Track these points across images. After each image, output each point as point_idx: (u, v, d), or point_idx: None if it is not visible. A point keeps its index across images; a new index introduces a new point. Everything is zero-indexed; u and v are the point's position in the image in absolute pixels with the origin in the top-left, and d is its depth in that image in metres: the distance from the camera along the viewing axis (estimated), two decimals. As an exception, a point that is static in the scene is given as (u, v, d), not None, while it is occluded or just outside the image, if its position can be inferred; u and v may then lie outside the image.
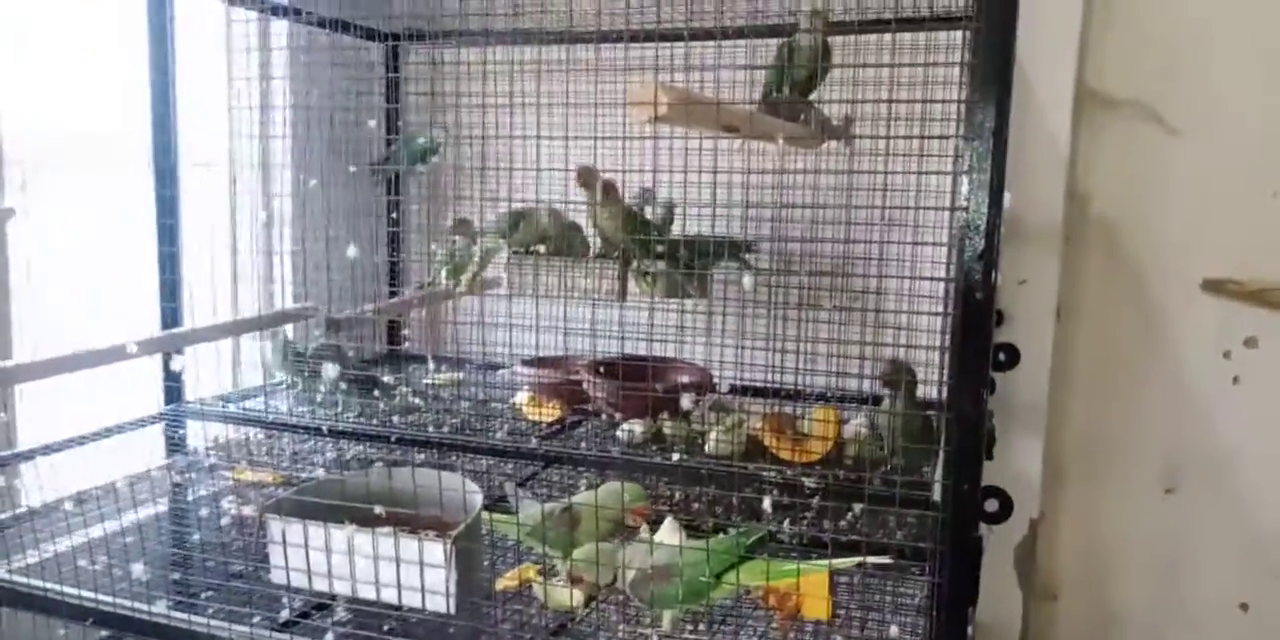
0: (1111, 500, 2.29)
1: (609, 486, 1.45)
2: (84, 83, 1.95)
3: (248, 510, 1.67)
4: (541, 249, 1.89)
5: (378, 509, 1.17)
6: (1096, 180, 2.21)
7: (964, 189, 0.89)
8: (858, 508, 1.24)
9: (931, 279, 1.70)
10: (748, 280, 1.24)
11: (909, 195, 1.78)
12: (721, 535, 1.33)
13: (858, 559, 1.25)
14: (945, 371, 1.68)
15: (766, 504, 1.25)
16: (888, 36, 1.79)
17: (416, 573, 1.14)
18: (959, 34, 1.99)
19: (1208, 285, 2.15)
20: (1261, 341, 2.12)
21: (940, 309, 1.91)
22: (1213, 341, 2.16)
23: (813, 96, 1.76)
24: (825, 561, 1.23)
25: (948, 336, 1.82)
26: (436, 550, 1.13)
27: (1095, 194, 2.22)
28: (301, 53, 2.22)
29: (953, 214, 1.03)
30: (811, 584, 1.22)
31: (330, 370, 1.56)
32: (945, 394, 0.99)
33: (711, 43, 2.01)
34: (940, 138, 1.33)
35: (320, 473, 1.52)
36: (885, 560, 1.28)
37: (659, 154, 1.62)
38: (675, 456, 1.66)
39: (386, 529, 1.16)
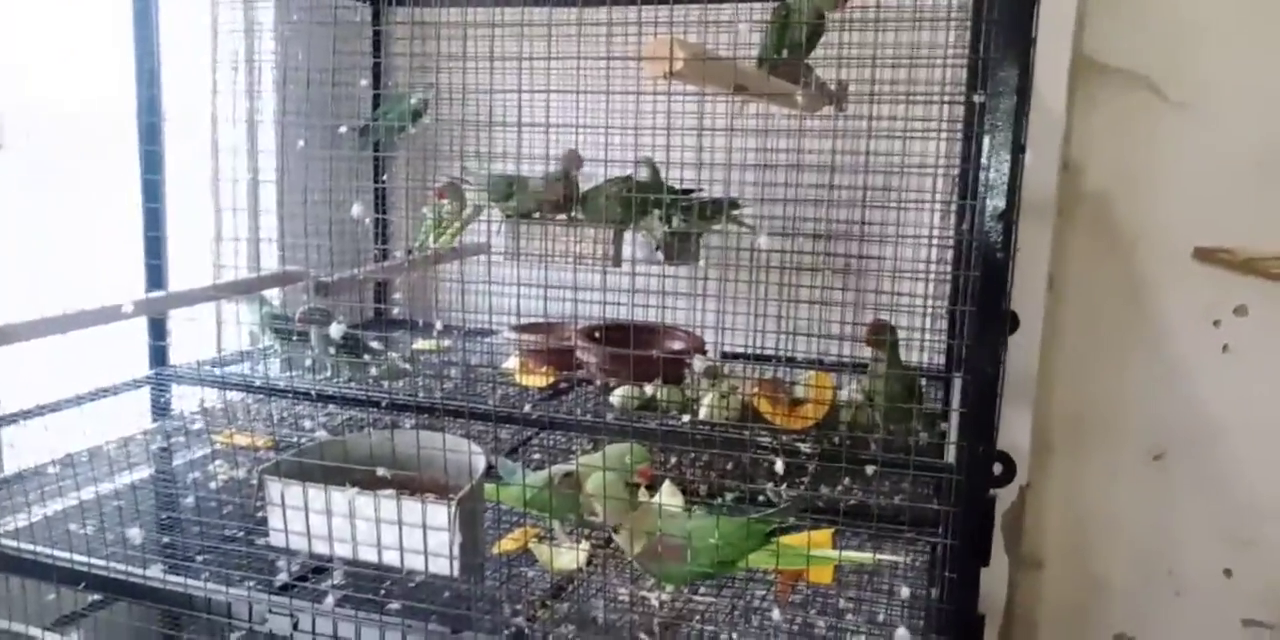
0: (1099, 469, 2.31)
1: (613, 448, 1.44)
2: (68, 39, 1.90)
3: (240, 473, 1.66)
4: (536, 215, 1.87)
5: (381, 471, 1.16)
6: (1091, 150, 2.20)
7: (984, 147, 0.88)
8: (868, 470, 1.23)
9: (935, 244, 1.71)
10: (764, 240, 1.22)
11: (898, 162, 1.77)
12: (725, 509, 1.32)
13: (870, 555, 1.26)
14: (948, 334, 1.69)
15: (779, 466, 1.24)
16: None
17: (420, 535, 1.13)
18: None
19: (1199, 254, 2.16)
20: (1252, 310, 2.14)
21: (927, 277, 1.93)
22: (1203, 310, 2.18)
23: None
24: (836, 553, 1.23)
25: (940, 302, 1.84)
26: (440, 513, 1.12)
27: (1089, 164, 2.22)
28: (288, 11, 2.16)
29: (964, 177, 1.01)
30: (815, 544, 1.21)
31: (334, 330, 1.53)
32: (954, 355, 0.99)
33: (696, 5, 1.99)
34: (949, 102, 1.30)
35: (321, 435, 1.50)
36: (897, 559, 1.29)
37: (643, 113, 1.59)
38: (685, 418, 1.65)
39: (389, 491, 1.14)
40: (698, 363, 1.72)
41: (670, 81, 0.95)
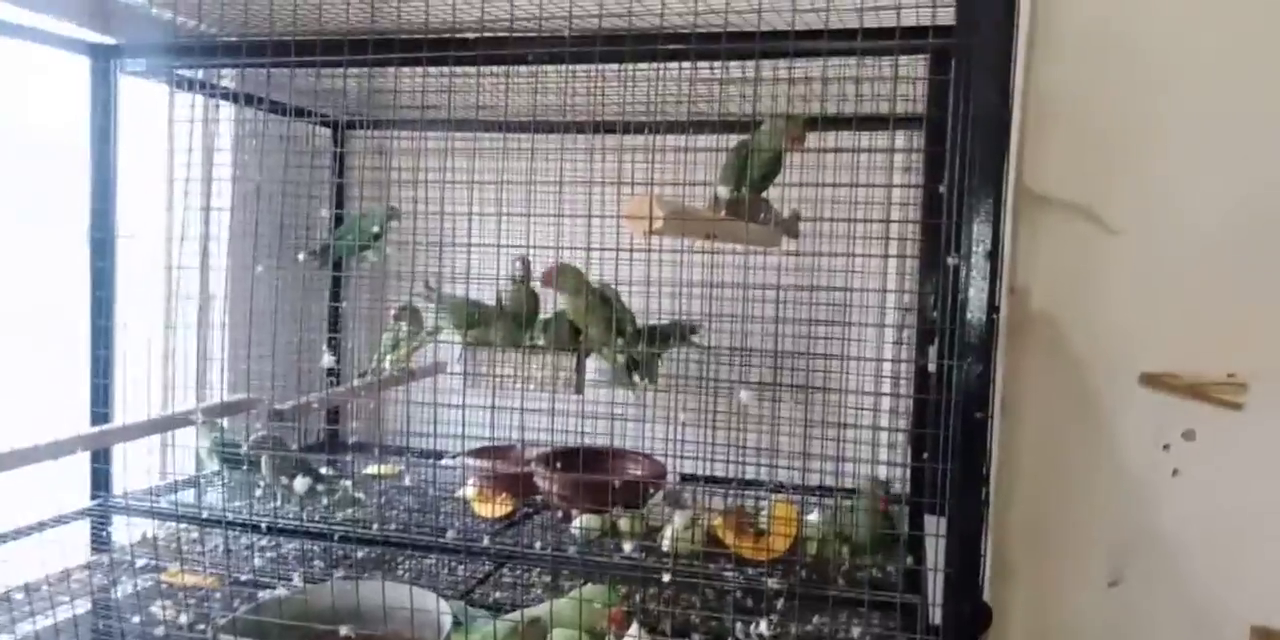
0: (1059, 592, 2.30)
1: (573, 595, 1.40)
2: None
3: (184, 617, 1.58)
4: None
5: (344, 630, 1.11)
6: (1036, 275, 2.27)
7: (968, 304, 0.90)
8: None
9: (898, 395, 1.73)
10: (745, 395, 1.22)
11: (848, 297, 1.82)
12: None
13: None
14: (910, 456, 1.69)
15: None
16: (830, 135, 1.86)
17: (382, 698, 1.08)
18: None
19: (1146, 379, 2.21)
20: (1199, 434, 2.18)
21: (894, 399, 1.96)
22: (1152, 434, 2.22)
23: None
24: None
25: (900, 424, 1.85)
26: (405, 675, 1.07)
27: (1034, 288, 2.28)
28: (248, 138, 2.18)
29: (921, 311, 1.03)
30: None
31: (299, 484, 1.50)
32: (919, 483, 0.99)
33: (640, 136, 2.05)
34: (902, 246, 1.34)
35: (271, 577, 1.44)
36: None
37: (595, 234, 1.62)
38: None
39: (351, 651, 1.09)
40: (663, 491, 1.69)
41: (648, 237, 0.96)
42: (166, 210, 1.98)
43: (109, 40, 1.90)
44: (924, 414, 1.56)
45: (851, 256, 1.42)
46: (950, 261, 0.96)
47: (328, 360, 1.34)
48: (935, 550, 0.99)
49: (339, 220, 2.21)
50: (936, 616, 1.00)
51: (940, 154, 1.41)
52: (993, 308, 0.89)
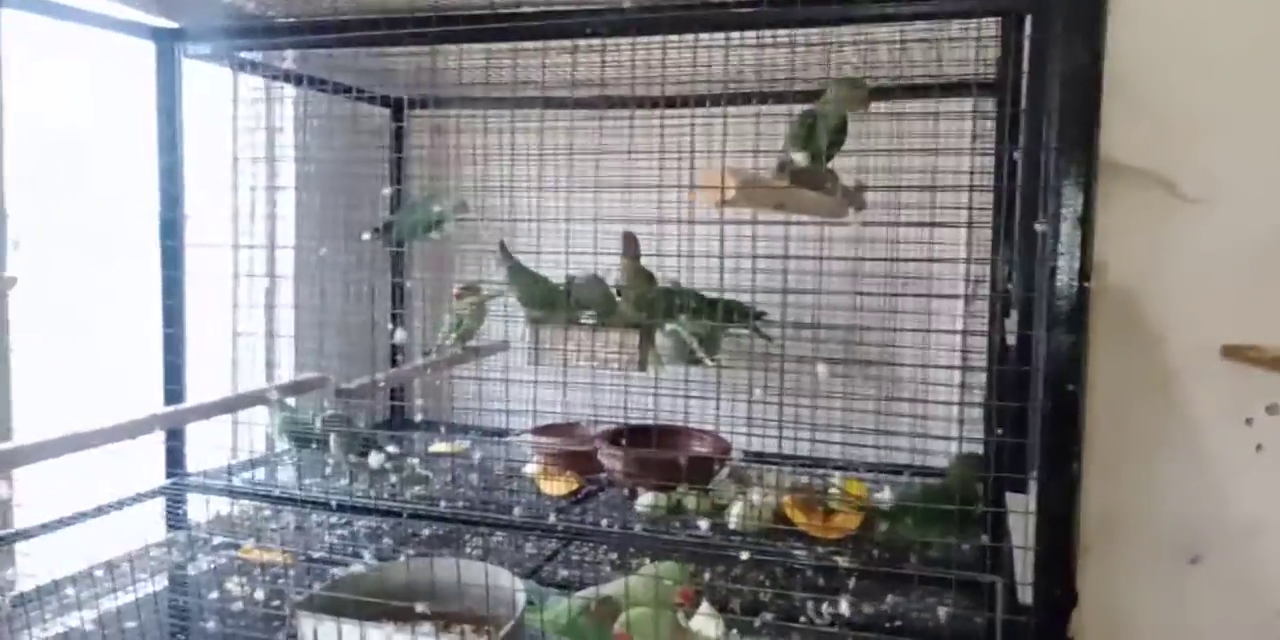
0: (1133, 573, 2.23)
1: (649, 570, 1.39)
2: (89, 152, 1.92)
3: (259, 593, 1.60)
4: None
5: (420, 606, 1.11)
6: (1111, 248, 2.19)
7: (1050, 274, 0.86)
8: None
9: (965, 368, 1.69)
10: (822, 369, 1.20)
11: (919, 270, 1.77)
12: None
13: None
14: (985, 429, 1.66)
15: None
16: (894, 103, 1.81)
17: (458, 673, 1.08)
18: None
19: (1227, 352, 2.13)
20: (1285, 408, 2.10)
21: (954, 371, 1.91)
22: (1234, 409, 2.13)
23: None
24: None
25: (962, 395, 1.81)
26: (480, 650, 1.07)
27: (1110, 262, 2.21)
28: (310, 119, 2.19)
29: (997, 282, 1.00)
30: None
31: (374, 460, 1.50)
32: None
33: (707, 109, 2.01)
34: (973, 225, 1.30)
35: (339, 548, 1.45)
36: None
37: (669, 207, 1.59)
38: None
39: (427, 627, 1.09)
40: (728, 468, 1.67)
41: (720, 208, 0.94)
42: (231, 190, 2.00)
43: (172, 24, 1.91)
44: (999, 388, 1.53)
45: (925, 226, 1.38)
46: (1038, 227, 0.93)
47: (400, 336, 1.33)
48: (1025, 528, 0.96)
49: (399, 199, 2.22)
50: (1024, 596, 0.98)
51: (1015, 118, 1.36)
52: (1084, 276, 0.85)
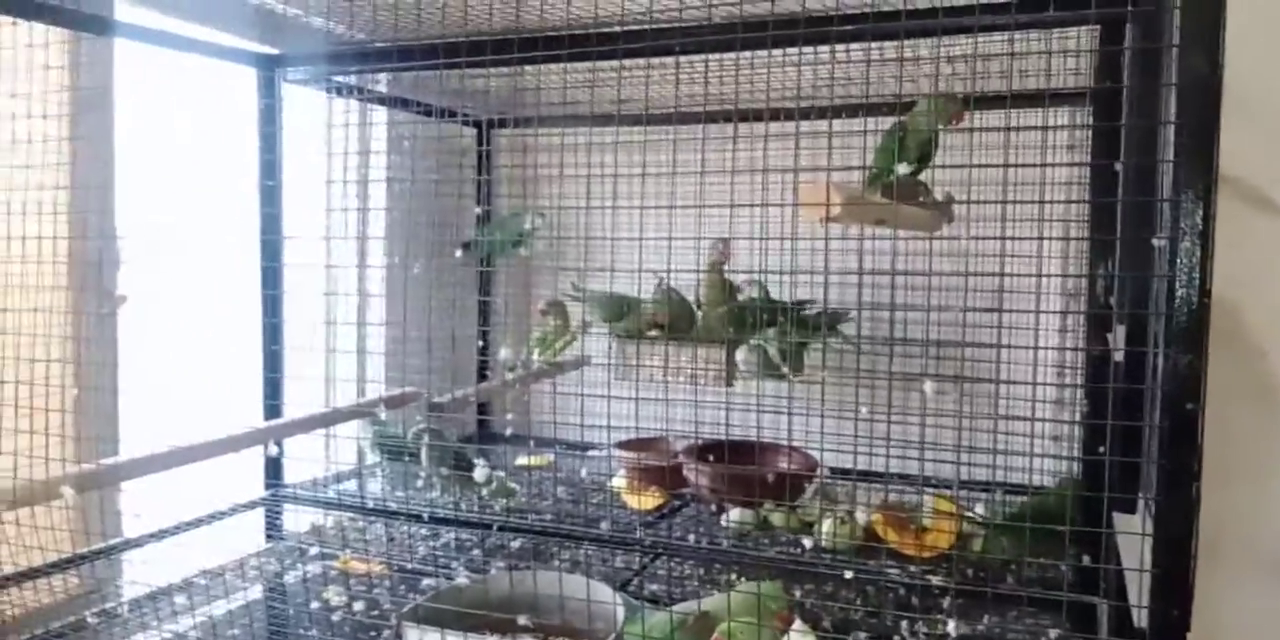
0: (1233, 591, 2.16)
1: (748, 588, 1.39)
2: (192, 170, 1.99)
3: (359, 605, 1.64)
4: (654, 334, 1.86)
5: (522, 619, 1.13)
6: (1218, 262, 2.14)
7: (1168, 290, 0.84)
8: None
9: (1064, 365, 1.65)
10: (930, 387, 1.19)
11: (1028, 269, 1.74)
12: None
13: None
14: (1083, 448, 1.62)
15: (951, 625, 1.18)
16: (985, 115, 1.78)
17: (559, 687, 1.09)
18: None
19: (1334, 367, 2.05)
20: (1397, 424, 2.02)
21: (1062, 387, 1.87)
22: (1344, 427, 2.06)
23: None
24: None
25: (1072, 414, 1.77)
26: (581, 664, 1.08)
27: (1227, 288, 2.15)
28: (401, 139, 2.24)
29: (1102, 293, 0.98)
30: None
31: (479, 474, 1.53)
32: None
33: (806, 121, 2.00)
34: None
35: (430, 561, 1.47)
36: None
37: (740, 224, 1.59)
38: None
39: (528, 639, 1.11)
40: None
41: (826, 223, 0.94)
42: (326, 211, 2.06)
43: (273, 51, 1.98)
44: (1098, 406, 1.49)
45: (1034, 239, 1.35)
46: (1156, 243, 0.91)
47: (505, 354, 1.36)
48: (1140, 549, 0.94)
49: (487, 217, 2.26)
50: (1139, 620, 0.95)
51: (1116, 130, 1.34)
52: (1204, 293, 0.84)
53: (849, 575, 1.31)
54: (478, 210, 1.96)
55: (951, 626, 1.15)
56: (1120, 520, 1.22)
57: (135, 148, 1.82)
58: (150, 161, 1.89)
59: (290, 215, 1.99)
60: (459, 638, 1.11)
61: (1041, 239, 1.14)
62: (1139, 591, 0.90)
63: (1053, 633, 1.28)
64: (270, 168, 1.93)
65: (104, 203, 1.73)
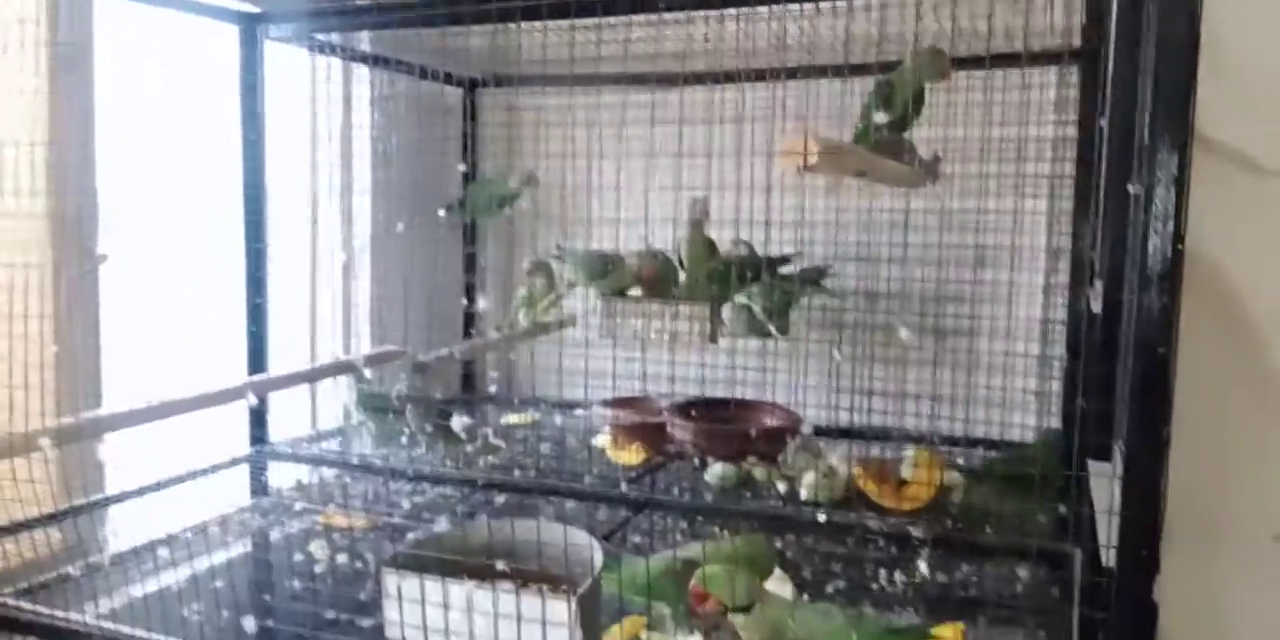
0: (1224, 557, 2.19)
1: (737, 541, 1.40)
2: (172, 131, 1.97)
3: (341, 558, 1.65)
4: (635, 292, 1.87)
5: (500, 564, 1.14)
6: (1200, 224, 2.14)
7: (1143, 239, 0.85)
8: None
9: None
10: (905, 333, 1.19)
11: (1005, 231, 1.75)
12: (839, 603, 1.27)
13: None
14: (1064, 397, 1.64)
15: (923, 568, 1.19)
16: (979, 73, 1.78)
17: (539, 631, 1.10)
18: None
19: (1311, 322, 2.07)
20: (1377, 383, 2.04)
21: (1038, 345, 1.89)
22: (1319, 379, 2.08)
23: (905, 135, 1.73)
24: None
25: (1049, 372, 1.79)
26: (561, 608, 1.09)
27: (1199, 238, 2.16)
28: (385, 98, 2.22)
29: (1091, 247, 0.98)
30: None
31: (457, 423, 1.53)
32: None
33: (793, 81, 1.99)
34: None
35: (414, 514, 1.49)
36: None
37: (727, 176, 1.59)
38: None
39: (508, 585, 1.12)
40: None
41: (802, 173, 0.94)
42: (310, 168, 2.05)
43: (254, 9, 1.95)
44: (1083, 360, 1.51)
45: (1016, 198, 1.36)
46: (1131, 189, 0.91)
47: (481, 304, 1.36)
48: (1110, 492, 0.96)
49: (472, 176, 2.25)
50: (1107, 559, 0.97)
51: (1102, 87, 1.34)
52: (1178, 238, 0.84)
53: (822, 518, 1.32)
54: (462, 168, 1.94)
55: (923, 567, 1.17)
56: (1095, 467, 1.23)
57: (116, 105, 1.80)
58: (131, 119, 1.87)
59: (274, 172, 1.98)
60: (437, 583, 1.12)
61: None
62: (1106, 534, 0.91)
63: (1022, 573, 1.30)
64: (252, 119, 1.92)
65: (84, 159, 1.71)
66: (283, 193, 2.05)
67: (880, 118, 1.34)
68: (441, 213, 1.86)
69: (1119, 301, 1.11)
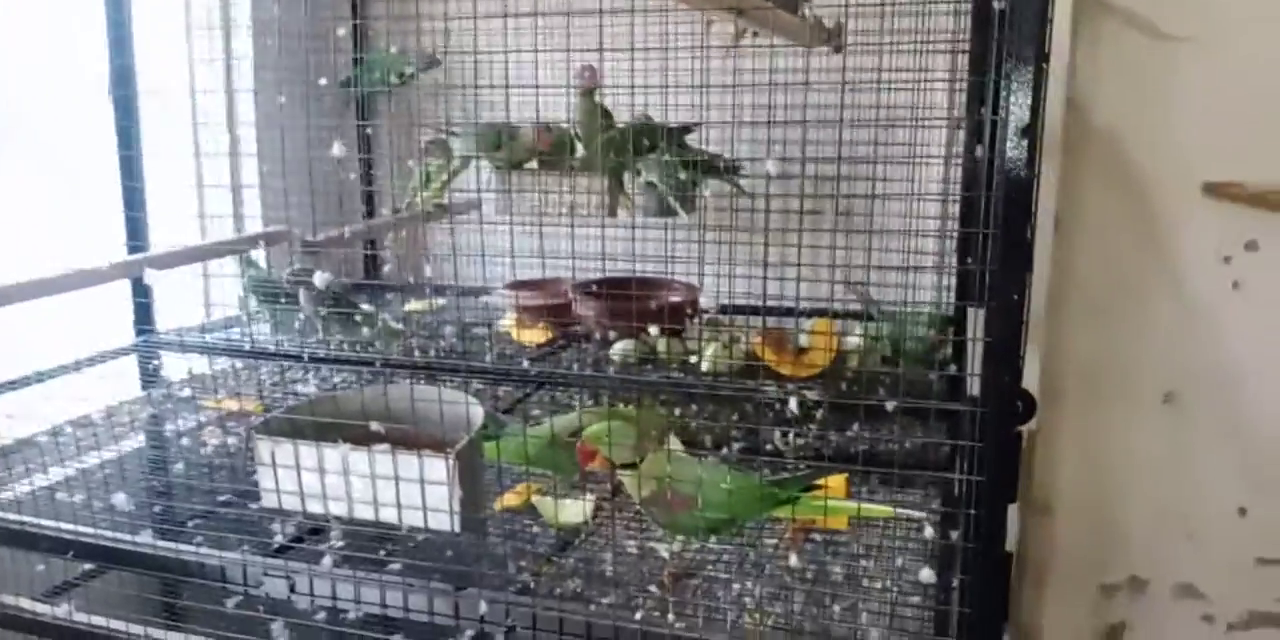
0: (1111, 413, 2.26)
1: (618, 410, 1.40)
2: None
3: (231, 440, 1.61)
4: (533, 165, 1.81)
5: (374, 425, 1.11)
6: (1096, 88, 2.14)
7: (1004, 60, 0.82)
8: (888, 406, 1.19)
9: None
10: (771, 166, 1.16)
11: (906, 109, 1.72)
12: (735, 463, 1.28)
13: (889, 509, 1.25)
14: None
15: (793, 405, 1.19)
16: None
17: (418, 491, 1.09)
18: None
19: (1209, 189, 2.10)
20: (1262, 244, 2.09)
21: (940, 226, 1.88)
22: (1213, 247, 2.13)
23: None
24: (855, 505, 1.21)
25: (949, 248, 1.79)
26: (439, 466, 1.08)
27: (1095, 102, 2.15)
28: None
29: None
30: (831, 492, 1.17)
31: (319, 279, 1.47)
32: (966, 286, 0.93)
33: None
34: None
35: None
36: (919, 515, 1.27)
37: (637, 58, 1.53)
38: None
39: (384, 446, 1.09)
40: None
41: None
42: (185, 35, 1.92)
43: None
44: (972, 221, 1.50)
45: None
46: (996, 5, 0.88)
47: (337, 149, 1.29)
48: (976, 320, 0.95)
49: (361, 61, 2.14)
50: (972, 388, 0.97)
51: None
52: (1042, 55, 0.81)
53: (705, 366, 1.31)
54: (341, 32, 1.84)
55: (793, 404, 1.17)
56: (973, 313, 1.24)
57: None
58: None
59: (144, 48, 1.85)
60: (310, 448, 1.10)
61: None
62: (971, 363, 0.91)
63: (919, 434, 1.33)
64: (118, 16, 1.78)
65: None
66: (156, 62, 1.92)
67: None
68: (323, 82, 1.76)
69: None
